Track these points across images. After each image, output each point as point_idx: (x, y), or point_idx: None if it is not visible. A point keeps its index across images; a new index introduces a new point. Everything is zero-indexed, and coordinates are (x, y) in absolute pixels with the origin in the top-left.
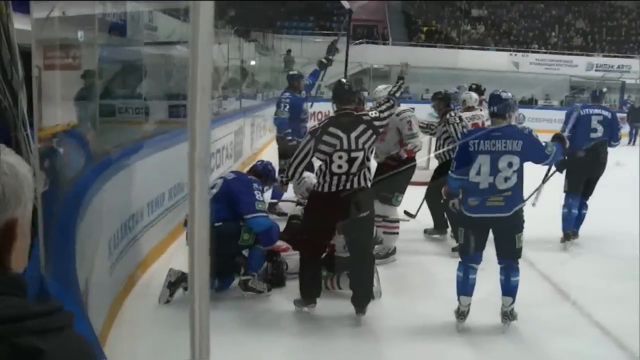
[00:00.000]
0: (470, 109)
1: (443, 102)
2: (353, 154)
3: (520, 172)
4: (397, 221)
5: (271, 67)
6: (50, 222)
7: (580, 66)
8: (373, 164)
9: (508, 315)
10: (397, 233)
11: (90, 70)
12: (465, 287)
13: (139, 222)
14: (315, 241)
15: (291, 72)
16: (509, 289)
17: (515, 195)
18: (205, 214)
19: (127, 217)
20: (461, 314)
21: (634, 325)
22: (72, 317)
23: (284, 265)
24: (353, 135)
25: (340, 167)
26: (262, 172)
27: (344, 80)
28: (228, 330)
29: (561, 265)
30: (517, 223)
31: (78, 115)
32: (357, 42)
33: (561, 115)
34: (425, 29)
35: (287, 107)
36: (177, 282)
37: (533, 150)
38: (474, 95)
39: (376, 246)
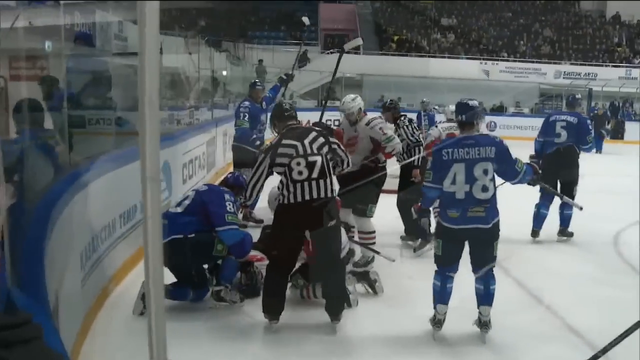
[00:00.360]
0: (450, 120)
1: (391, 111)
2: (310, 158)
3: (494, 181)
4: (373, 232)
5: (243, 77)
6: (18, 235)
7: (549, 74)
8: None
9: (487, 324)
10: (374, 243)
11: (48, 77)
12: (442, 296)
13: (111, 234)
14: (282, 255)
15: (253, 81)
16: (488, 297)
17: (494, 206)
18: (158, 226)
19: (98, 230)
20: (437, 322)
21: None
22: (40, 329)
23: (258, 275)
24: (306, 141)
25: (300, 173)
26: (233, 183)
27: (283, 102)
28: (202, 341)
29: (534, 270)
30: (495, 231)
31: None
32: (328, 51)
33: (531, 122)
34: (396, 37)
35: (247, 116)
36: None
37: (504, 160)
38: (452, 107)
39: (367, 269)
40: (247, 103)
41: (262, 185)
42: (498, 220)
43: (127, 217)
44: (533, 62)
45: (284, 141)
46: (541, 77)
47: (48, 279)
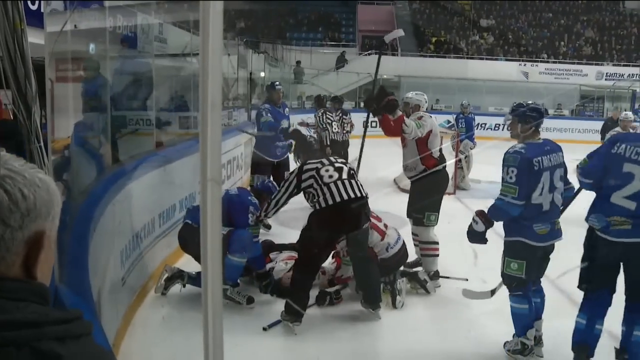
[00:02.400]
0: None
1: (317, 102)
2: (337, 164)
3: None
4: (435, 243)
5: (281, 78)
6: (64, 233)
7: (590, 75)
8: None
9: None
10: (437, 255)
11: (92, 60)
12: (532, 317)
13: (151, 233)
14: (313, 258)
15: (271, 82)
16: (542, 310)
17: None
18: (218, 228)
19: (139, 228)
20: (530, 350)
21: None
22: (91, 325)
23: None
24: (328, 159)
25: (331, 176)
26: (262, 190)
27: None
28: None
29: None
30: None
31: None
32: (366, 53)
33: (571, 124)
34: (434, 39)
35: (269, 114)
36: (173, 277)
37: (564, 165)
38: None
39: (418, 269)
40: (267, 106)
41: (284, 203)
42: None
43: (166, 216)
44: (574, 63)
45: (309, 162)
46: (582, 79)
47: (92, 277)
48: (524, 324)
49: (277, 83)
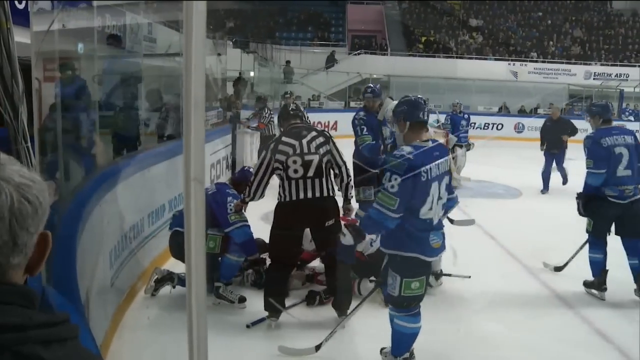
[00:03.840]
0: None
1: (257, 103)
2: (307, 157)
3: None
4: None
5: (271, 78)
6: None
7: (579, 75)
8: None
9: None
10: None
11: (68, 63)
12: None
13: (140, 233)
14: (282, 254)
15: (365, 88)
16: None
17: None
18: (201, 227)
19: (127, 228)
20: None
21: None
22: (77, 329)
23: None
24: (305, 140)
25: (296, 171)
26: (239, 180)
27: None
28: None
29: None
30: None
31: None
32: (356, 52)
33: None
34: (423, 39)
35: (365, 129)
36: (163, 279)
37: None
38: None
39: None
40: (362, 114)
41: (266, 184)
42: None
43: (155, 216)
44: (562, 62)
45: (284, 139)
46: (571, 78)
47: (79, 278)
48: (408, 345)
49: (371, 88)
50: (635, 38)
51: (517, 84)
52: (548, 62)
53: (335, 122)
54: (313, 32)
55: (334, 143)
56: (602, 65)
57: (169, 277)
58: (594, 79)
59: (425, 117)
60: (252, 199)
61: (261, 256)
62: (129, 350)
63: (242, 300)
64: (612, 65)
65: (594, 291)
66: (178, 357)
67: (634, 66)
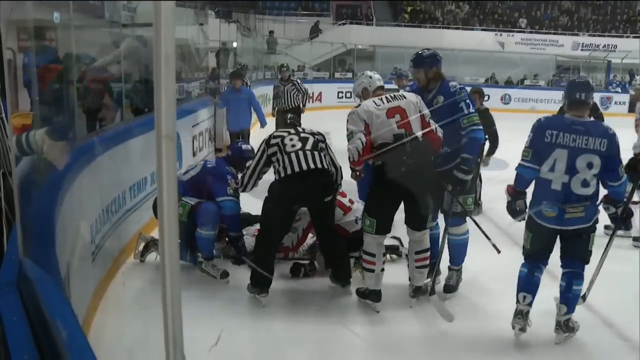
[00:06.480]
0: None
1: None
2: (303, 135)
3: (598, 176)
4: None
5: (254, 48)
6: (29, 206)
7: (566, 45)
8: None
9: (562, 326)
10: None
11: (69, 54)
12: (529, 284)
13: (122, 206)
14: (274, 228)
15: (394, 70)
16: (568, 298)
17: (594, 204)
18: (173, 186)
19: (109, 202)
20: (519, 314)
21: None
22: None
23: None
24: (300, 128)
25: (293, 145)
26: (235, 157)
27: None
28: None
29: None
30: (593, 226)
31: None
32: (340, 22)
33: (547, 95)
34: (409, 8)
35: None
36: (148, 245)
37: (612, 157)
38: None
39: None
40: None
41: (260, 176)
42: (597, 217)
43: (137, 189)
44: (550, 33)
45: (277, 131)
46: (558, 49)
47: (59, 251)
48: (519, 287)
49: (397, 71)
50: (623, 8)
51: (504, 54)
52: (535, 32)
53: (320, 93)
54: (297, 1)
55: (327, 144)
56: (590, 36)
57: (154, 243)
58: (581, 50)
59: None
60: (244, 190)
61: (242, 231)
62: (112, 325)
63: (225, 275)
64: (599, 36)
65: None
66: (162, 331)
67: (622, 37)
